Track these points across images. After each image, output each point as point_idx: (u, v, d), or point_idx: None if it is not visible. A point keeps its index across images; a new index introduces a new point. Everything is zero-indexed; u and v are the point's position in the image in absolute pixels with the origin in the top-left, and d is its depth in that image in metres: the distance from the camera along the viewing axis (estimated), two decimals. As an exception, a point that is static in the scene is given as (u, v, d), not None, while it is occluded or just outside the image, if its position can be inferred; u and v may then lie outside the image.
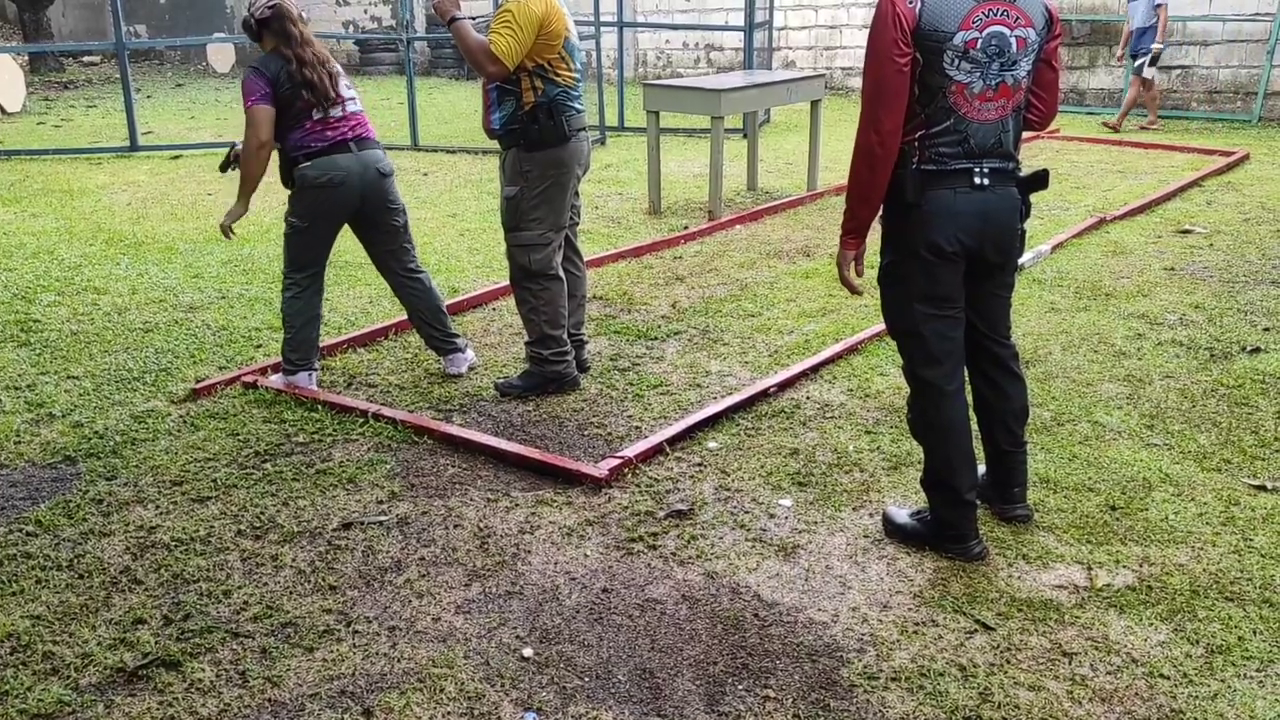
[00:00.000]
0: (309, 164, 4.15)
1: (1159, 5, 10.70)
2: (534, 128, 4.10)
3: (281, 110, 4.10)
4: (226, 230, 4.37)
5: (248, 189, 4.24)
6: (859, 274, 3.09)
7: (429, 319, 4.53)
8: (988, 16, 2.75)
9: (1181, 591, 2.92)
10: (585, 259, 4.69)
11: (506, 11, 4.00)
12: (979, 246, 2.91)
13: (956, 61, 2.75)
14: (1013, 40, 2.78)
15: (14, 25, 20.06)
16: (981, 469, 3.23)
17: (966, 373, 3.13)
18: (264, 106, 4.06)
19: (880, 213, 3.00)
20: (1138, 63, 11.00)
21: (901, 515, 3.24)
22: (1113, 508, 3.36)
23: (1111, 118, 11.64)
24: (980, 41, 2.75)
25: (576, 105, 4.22)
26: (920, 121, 2.84)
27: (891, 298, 3.04)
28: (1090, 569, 3.03)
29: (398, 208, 4.41)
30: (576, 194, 4.41)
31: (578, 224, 4.55)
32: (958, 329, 3.01)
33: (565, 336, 4.35)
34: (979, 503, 3.15)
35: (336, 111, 4.18)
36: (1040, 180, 3.01)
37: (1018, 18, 2.79)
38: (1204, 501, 3.40)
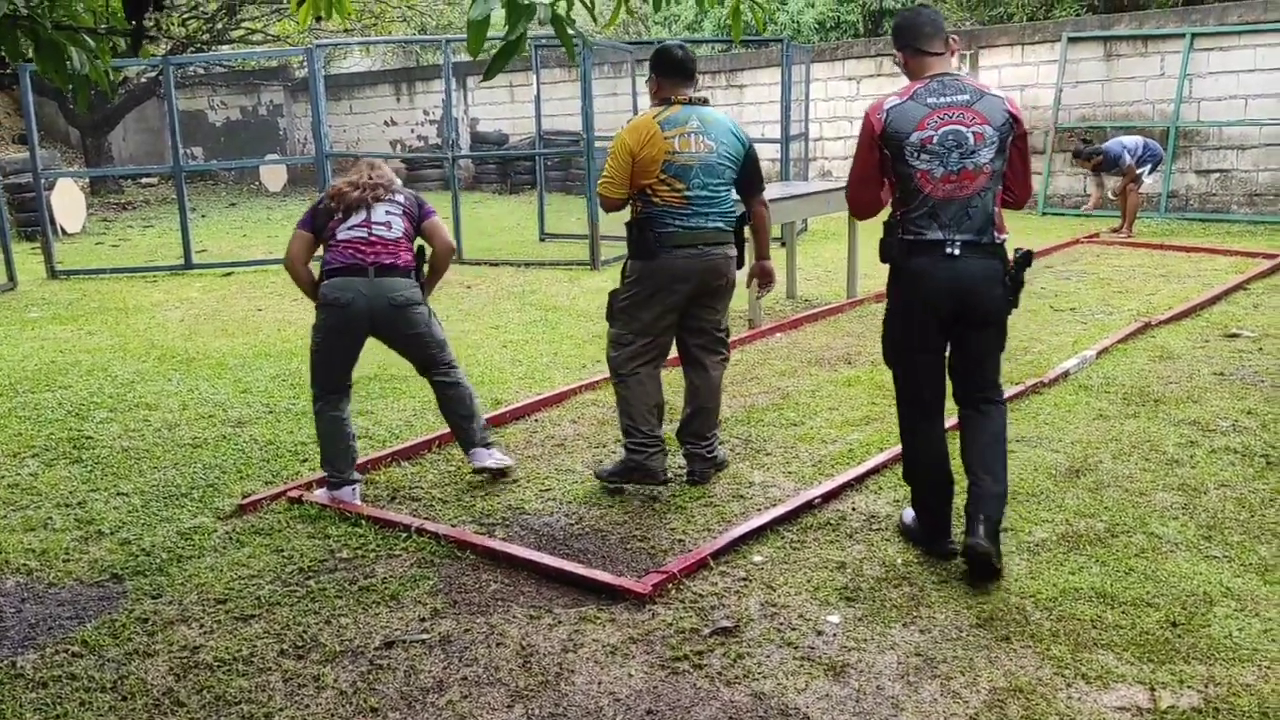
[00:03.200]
0: (327, 282, 4.36)
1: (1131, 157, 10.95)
2: (630, 239, 4.42)
3: (319, 230, 4.45)
4: None
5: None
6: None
7: (457, 423, 4.66)
8: (942, 119, 3.45)
9: (1250, 714, 2.80)
10: None
11: (612, 142, 4.38)
12: (955, 305, 3.53)
13: (916, 154, 3.47)
14: (970, 135, 3.46)
15: (77, 149, 20.92)
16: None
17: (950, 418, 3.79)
18: (299, 231, 4.48)
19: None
20: (1140, 170, 10.92)
21: (909, 515, 3.89)
22: (1174, 624, 3.26)
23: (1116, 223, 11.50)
24: (936, 138, 3.46)
25: (680, 223, 4.31)
26: (899, 201, 3.58)
27: (886, 337, 3.81)
28: (1153, 689, 2.92)
29: (414, 335, 4.46)
30: (709, 305, 4.46)
31: (707, 335, 4.53)
32: (936, 369, 3.68)
33: (649, 432, 4.39)
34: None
35: (359, 231, 4.34)
36: (1024, 260, 3.62)
37: (974, 118, 3.46)
38: (1268, 617, 3.28)
